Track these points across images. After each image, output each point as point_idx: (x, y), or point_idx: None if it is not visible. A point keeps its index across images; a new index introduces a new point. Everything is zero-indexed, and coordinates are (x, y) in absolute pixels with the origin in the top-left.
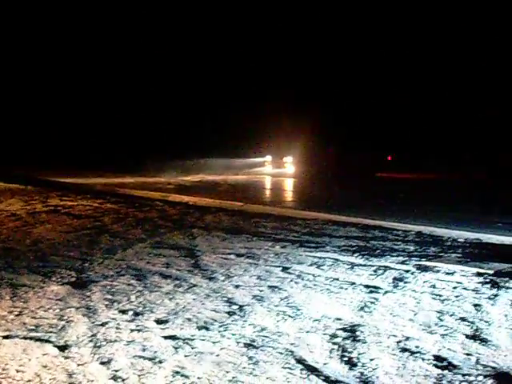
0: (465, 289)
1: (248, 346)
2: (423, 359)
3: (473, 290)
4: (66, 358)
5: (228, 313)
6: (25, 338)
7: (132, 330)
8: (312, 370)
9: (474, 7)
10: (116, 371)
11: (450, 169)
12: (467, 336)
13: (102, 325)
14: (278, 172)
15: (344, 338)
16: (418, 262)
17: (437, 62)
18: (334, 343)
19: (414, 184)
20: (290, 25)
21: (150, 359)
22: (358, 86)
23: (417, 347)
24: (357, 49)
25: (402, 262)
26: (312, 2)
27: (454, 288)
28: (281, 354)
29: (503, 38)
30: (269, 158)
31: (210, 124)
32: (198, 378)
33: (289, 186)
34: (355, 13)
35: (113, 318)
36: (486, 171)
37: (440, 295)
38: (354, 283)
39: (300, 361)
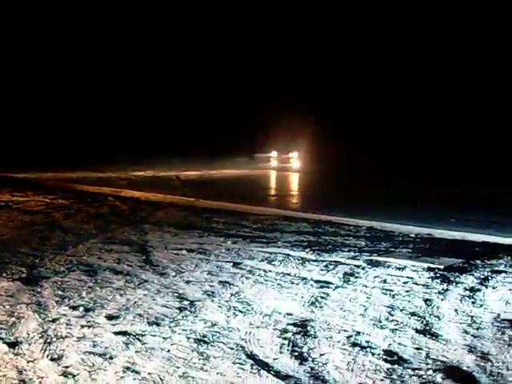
0: (415, 284)
1: (199, 341)
2: (373, 354)
3: (423, 285)
4: (16, 354)
5: (179, 308)
6: None
7: (83, 326)
8: (263, 365)
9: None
10: (67, 367)
11: None
12: (417, 331)
13: (53, 321)
14: (283, 167)
15: (295, 333)
16: (369, 257)
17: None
18: (285, 338)
19: None
20: (298, 24)
21: (100, 355)
22: (362, 85)
23: (367, 342)
24: (362, 47)
25: (353, 257)
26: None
27: (405, 283)
28: (231, 349)
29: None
30: (274, 153)
31: (216, 122)
32: (149, 373)
33: (287, 181)
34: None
35: (63, 314)
36: None
37: (391, 290)
38: (305, 278)
39: (251, 356)
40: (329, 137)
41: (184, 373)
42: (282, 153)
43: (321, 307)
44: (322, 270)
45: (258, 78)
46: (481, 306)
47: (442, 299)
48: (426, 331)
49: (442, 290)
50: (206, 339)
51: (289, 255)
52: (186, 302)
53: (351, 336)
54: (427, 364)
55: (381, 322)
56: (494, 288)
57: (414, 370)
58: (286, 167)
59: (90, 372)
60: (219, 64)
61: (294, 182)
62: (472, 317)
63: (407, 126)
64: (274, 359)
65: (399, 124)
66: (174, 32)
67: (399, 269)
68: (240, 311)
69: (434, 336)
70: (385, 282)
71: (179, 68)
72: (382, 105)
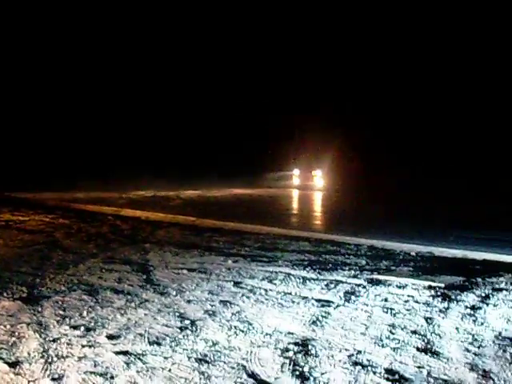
0: (416, 302)
1: (200, 360)
2: (375, 373)
3: (424, 303)
4: (17, 374)
5: (180, 328)
6: None
7: (83, 346)
8: None
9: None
10: None
11: None
12: (418, 349)
13: (54, 340)
14: (305, 185)
15: (296, 352)
16: (369, 276)
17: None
18: (286, 357)
19: None
20: (324, 42)
21: (101, 375)
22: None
23: (368, 361)
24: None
25: (354, 276)
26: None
27: (406, 301)
28: (232, 368)
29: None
30: (297, 171)
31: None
32: None
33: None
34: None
35: (64, 334)
36: None
37: (392, 309)
38: (305, 297)
39: (252, 375)
40: (353, 155)
41: None
42: (304, 170)
43: (322, 326)
44: (322, 288)
45: (281, 89)
46: (482, 323)
47: (443, 317)
48: (428, 349)
49: (443, 308)
50: (207, 358)
51: (289, 274)
52: (186, 322)
53: (352, 355)
54: (428, 382)
55: (382, 340)
56: (495, 306)
57: None
58: (308, 185)
59: None
60: (238, 73)
61: (315, 202)
62: (473, 335)
63: (428, 141)
64: (276, 378)
65: (421, 138)
66: (181, 43)
67: (400, 287)
68: (241, 330)
69: (436, 354)
70: (386, 300)
71: (188, 77)
72: (406, 119)
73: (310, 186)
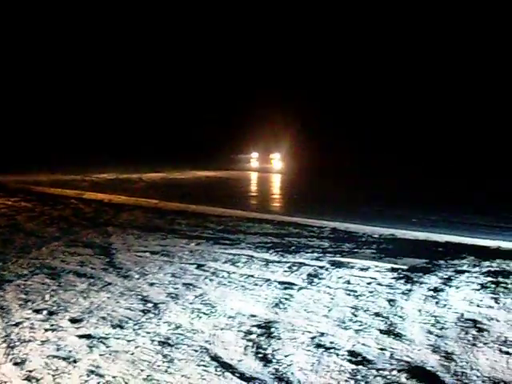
0: (379, 284)
1: (163, 343)
2: (338, 355)
3: (387, 286)
4: None
5: (143, 311)
6: None
7: (46, 330)
8: (227, 367)
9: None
10: (30, 371)
11: None
12: (381, 331)
13: (16, 325)
14: (264, 167)
15: (259, 335)
16: (332, 258)
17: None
18: (249, 340)
19: None
20: (275, 25)
21: (64, 359)
22: (345, 83)
23: (331, 343)
24: (344, 43)
25: (317, 259)
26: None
27: (369, 284)
28: (196, 351)
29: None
30: (255, 154)
31: (196, 122)
32: (113, 376)
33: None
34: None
35: (27, 318)
36: None
37: (354, 291)
38: (268, 280)
39: (215, 358)
40: (311, 137)
41: (148, 375)
42: (263, 153)
43: (285, 308)
44: (285, 271)
45: (238, 75)
46: (444, 305)
47: (406, 299)
48: (390, 332)
49: (406, 290)
50: (170, 341)
51: (252, 257)
52: (149, 305)
53: (315, 337)
54: (391, 364)
55: (345, 322)
56: (457, 288)
57: (378, 370)
58: (266, 168)
59: (53, 376)
60: (195, 60)
61: (273, 184)
62: (436, 317)
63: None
64: (239, 361)
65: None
66: (149, 31)
67: (363, 269)
68: (204, 313)
69: (398, 336)
70: (348, 282)
71: (151, 64)
72: (363, 104)
73: (268, 168)
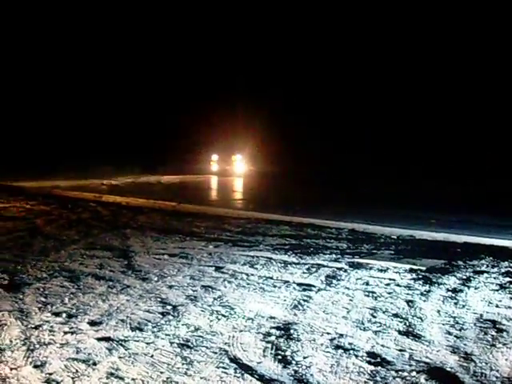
0: (398, 285)
1: (182, 346)
2: (357, 356)
3: (406, 287)
4: None
5: (162, 313)
6: None
7: (66, 333)
8: (246, 369)
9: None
10: (50, 374)
11: None
12: (400, 332)
13: (36, 328)
14: (225, 170)
15: (278, 337)
16: (351, 260)
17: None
18: (268, 342)
19: None
20: (237, 25)
21: (84, 361)
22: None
23: (350, 344)
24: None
25: (335, 260)
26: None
27: (387, 285)
28: (215, 353)
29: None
30: (215, 156)
31: (153, 125)
32: (133, 379)
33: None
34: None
35: (46, 321)
36: None
37: (373, 292)
38: (287, 281)
39: (234, 360)
40: (274, 139)
41: (168, 378)
42: (223, 156)
43: (303, 310)
44: (304, 272)
45: (190, 75)
46: (463, 306)
47: (425, 300)
48: (409, 333)
49: (425, 291)
50: (189, 344)
51: (271, 258)
52: (168, 307)
53: (334, 338)
54: (410, 365)
55: (363, 324)
56: (476, 288)
57: (397, 371)
58: (227, 171)
59: (73, 378)
60: (159, 67)
61: (234, 187)
62: (455, 317)
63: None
64: (258, 363)
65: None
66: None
67: (381, 271)
68: (223, 315)
69: (417, 337)
70: (367, 284)
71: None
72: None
73: (229, 171)
